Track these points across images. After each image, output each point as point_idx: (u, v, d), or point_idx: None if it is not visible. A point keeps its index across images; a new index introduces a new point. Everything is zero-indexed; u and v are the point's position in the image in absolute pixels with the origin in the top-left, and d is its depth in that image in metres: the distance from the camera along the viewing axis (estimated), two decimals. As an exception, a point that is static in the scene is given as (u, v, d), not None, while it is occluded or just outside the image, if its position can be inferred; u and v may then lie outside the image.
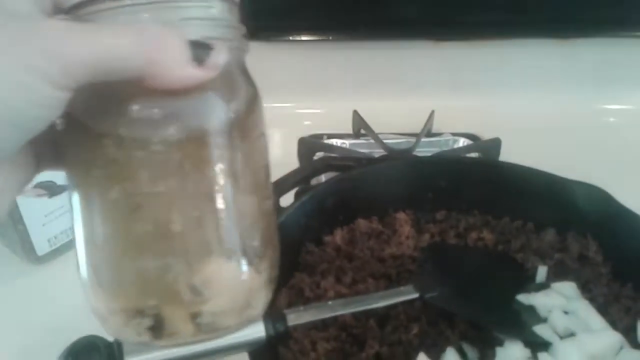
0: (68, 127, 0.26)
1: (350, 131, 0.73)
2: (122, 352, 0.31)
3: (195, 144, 0.25)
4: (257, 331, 0.33)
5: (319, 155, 0.68)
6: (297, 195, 0.55)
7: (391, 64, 0.79)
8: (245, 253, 0.27)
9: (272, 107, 0.85)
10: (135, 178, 0.25)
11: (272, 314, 0.34)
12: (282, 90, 0.79)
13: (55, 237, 0.53)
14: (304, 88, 0.80)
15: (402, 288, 0.38)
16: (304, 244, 0.48)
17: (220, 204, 0.26)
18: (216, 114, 0.25)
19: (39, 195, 0.51)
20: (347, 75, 0.80)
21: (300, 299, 0.43)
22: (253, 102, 0.28)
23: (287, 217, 0.46)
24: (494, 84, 0.78)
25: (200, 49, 0.23)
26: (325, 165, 0.53)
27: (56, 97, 0.22)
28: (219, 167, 0.26)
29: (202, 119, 0.25)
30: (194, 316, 0.27)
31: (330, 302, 0.37)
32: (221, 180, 0.26)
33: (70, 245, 0.55)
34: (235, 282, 0.28)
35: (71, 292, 0.43)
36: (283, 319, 0.35)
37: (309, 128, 0.74)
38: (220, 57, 0.24)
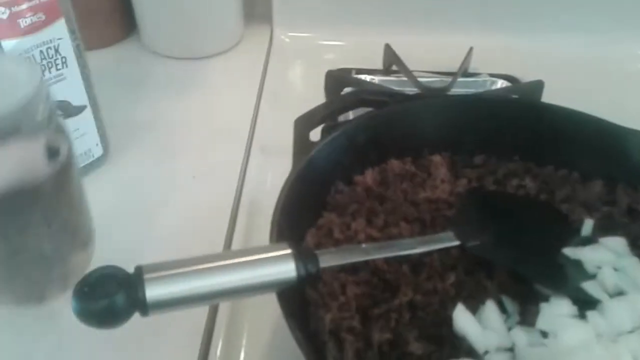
0: None
1: (379, 67, 0.69)
2: (143, 284, 0.29)
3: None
4: (288, 271, 0.31)
5: (346, 90, 0.64)
6: (324, 132, 0.52)
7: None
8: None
9: (291, 36, 0.82)
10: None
11: (304, 254, 0.32)
12: (302, 19, 0.74)
13: (71, 161, 0.50)
14: (327, 17, 0.74)
15: (441, 234, 0.36)
16: (334, 183, 0.45)
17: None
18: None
19: (53, 116, 0.48)
20: (377, 5, 0.74)
21: (329, 240, 0.40)
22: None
23: (317, 152, 0.43)
24: (538, 22, 0.73)
25: None
26: (358, 99, 0.49)
27: None
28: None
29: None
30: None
31: (364, 245, 0.34)
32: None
33: (87, 169, 0.52)
34: None
35: (95, 216, 0.42)
36: (315, 260, 0.32)
37: (330, 62, 0.70)
38: None
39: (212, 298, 0.31)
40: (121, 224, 0.48)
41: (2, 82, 0.33)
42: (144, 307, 0.29)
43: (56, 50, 0.45)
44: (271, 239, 0.36)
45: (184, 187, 0.53)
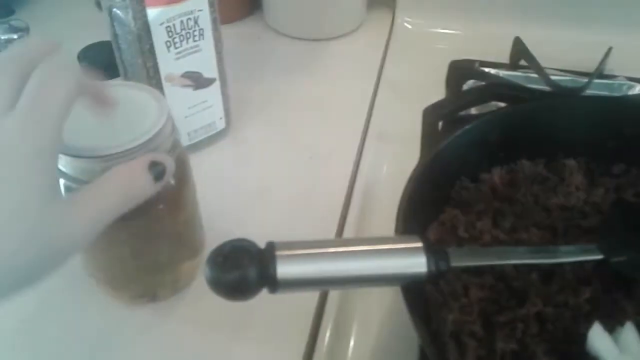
0: None
1: (503, 60, 0.65)
2: (275, 260, 0.29)
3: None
4: (418, 265, 0.30)
5: (469, 82, 0.62)
6: (445, 125, 0.50)
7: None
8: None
9: (413, 23, 0.79)
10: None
11: (434, 250, 0.31)
12: (425, 6, 0.72)
13: (195, 131, 0.52)
14: (451, 5, 0.71)
15: (584, 246, 0.33)
16: (459, 178, 0.43)
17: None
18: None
19: (185, 86, 0.49)
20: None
21: (453, 237, 0.39)
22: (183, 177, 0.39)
23: (446, 145, 0.41)
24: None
25: (156, 167, 0.32)
26: (492, 93, 0.46)
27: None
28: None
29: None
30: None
31: (499, 248, 0.33)
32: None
33: (209, 141, 0.53)
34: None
35: (207, 185, 0.43)
36: (446, 257, 0.31)
37: (452, 52, 0.67)
38: (169, 169, 0.33)
39: (340, 283, 0.30)
40: (237, 199, 0.49)
41: (133, 112, 0.35)
42: (274, 283, 0.29)
43: (195, 22, 0.46)
44: (397, 230, 0.35)
45: (299, 166, 0.53)
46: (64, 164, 0.33)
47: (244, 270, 0.29)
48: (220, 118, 0.53)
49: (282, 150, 0.54)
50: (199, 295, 0.42)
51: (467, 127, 0.42)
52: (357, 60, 0.67)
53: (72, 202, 0.29)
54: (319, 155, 0.54)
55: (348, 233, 0.46)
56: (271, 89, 0.62)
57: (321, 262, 0.30)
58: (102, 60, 0.62)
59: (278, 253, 0.29)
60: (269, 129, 0.57)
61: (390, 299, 0.42)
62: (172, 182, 0.37)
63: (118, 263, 0.39)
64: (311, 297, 0.42)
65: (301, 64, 0.66)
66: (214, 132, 0.53)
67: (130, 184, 0.31)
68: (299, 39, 0.70)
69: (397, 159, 0.53)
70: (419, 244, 0.31)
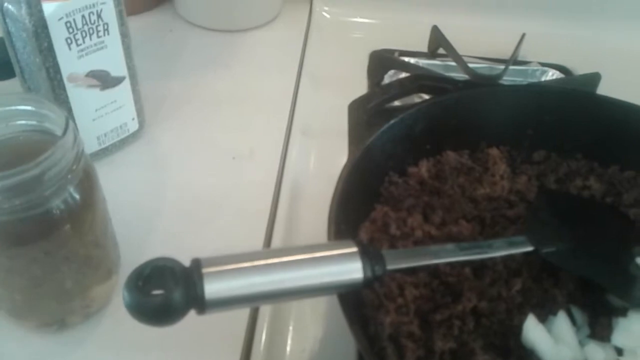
0: None
1: (422, 49, 0.65)
2: (202, 279, 0.27)
3: None
4: (354, 271, 0.29)
5: (390, 72, 0.61)
6: (370, 119, 0.49)
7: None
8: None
9: (331, 12, 0.77)
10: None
11: (370, 254, 0.30)
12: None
13: (105, 135, 0.48)
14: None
15: (514, 238, 0.33)
16: (387, 173, 0.42)
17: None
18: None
19: (91, 86, 0.45)
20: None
21: (385, 236, 0.38)
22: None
23: (374, 140, 0.40)
24: (594, 10, 0.69)
25: None
26: (418, 85, 0.46)
27: None
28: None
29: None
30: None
31: (433, 248, 0.32)
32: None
33: (121, 145, 0.49)
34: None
35: (120, 194, 0.40)
36: (382, 260, 0.30)
37: (371, 41, 0.66)
38: None
39: (273, 297, 0.29)
40: (155, 208, 0.46)
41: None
42: (202, 305, 0.27)
43: (98, 16, 0.42)
44: (329, 234, 0.33)
45: (222, 168, 0.50)
46: None
47: (168, 292, 0.26)
48: (133, 119, 0.50)
49: (202, 152, 0.51)
50: (115, 319, 0.38)
51: (393, 120, 0.41)
52: (276, 52, 0.65)
53: None
54: (242, 155, 0.51)
55: (277, 237, 0.44)
56: (186, 85, 0.59)
57: (252, 276, 0.28)
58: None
59: (205, 271, 0.27)
60: (187, 129, 0.54)
61: (324, 303, 0.41)
62: (77, 198, 0.33)
63: (18, 292, 0.35)
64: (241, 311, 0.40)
65: (217, 57, 0.63)
66: (126, 134, 0.50)
67: None
68: (213, 30, 0.66)
69: (323, 153, 0.52)
70: (354, 249, 0.29)
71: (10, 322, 0.37)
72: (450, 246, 0.32)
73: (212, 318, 0.35)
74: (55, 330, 0.37)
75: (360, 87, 0.60)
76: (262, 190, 0.48)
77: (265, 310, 0.40)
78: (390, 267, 0.30)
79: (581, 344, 0.32)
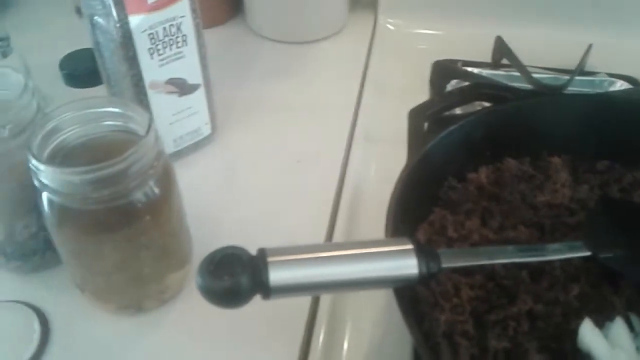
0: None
1: (485, 59, 0.66)
2: (267, 266, 0.29)
3: None
4: (410, 267, 0.30)
5: (453, 82, 0.62)
6: (430, 126, 0.50)
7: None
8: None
9: (395, 24, 0.78)
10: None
11: (425, 252, 0.31)
12: (407, 7, 0.72)
13: (181, 138, 0.51)
14: (433, 6, 0.71)
15: (571, 244, 0.34)
16: (446, 178, 0.43)
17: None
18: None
19: (170, 93, 0.49)
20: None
21: (442, 238, 0.39)
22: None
23: (433, 146, 0.41)
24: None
25: None
26: (477, 93, 0.47)
27: None
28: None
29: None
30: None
31: (489, 248, 0.33)
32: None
33: (195, 148, 0.53)
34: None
35: (194, 192, 0.43)
36: (437, 258, 0.31)
37: (434, 52, 0.67)
38: None
39: (332, 287, 0.31)
40: (225, 205, 0.49)
41: None
42: (267, 290, 0.29)
43: (178, 28, 0.46)
44: (386, 233, 0.35)
45: (287, 171, 0.53)
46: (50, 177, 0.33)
47: (237, 277, 0.29)
48: (206, 124, 0.53)
49: (269, 155, 0.54)
50: (187, 306, 0.41)
51: (452, 127, 0.42)
52: (341, 63, 0.67)
53: None
54: (307, 159, 0.54)
55: (338, 236, 0.46)
56: (255, 93, 0.62)
57: (313, 267, 0.30)
58: (84, 68, 0.61)
59: (270, 259, 0.29)
60: (255, 134, 0.57)
61: (382, 299, 0.42)
62: (157, 192, 0.36)
63: (102, 275, 0.39)
64: (303, 301, 0.42)
65: (285, 67, 0.66)
66: (199, 138, 0.53)
67: None
68: (282, 42, 0.70)
69: (384, 160, 0.53)
70: (410, 246, 0.31)
71: (94, 304, 0.40)
72: (506, 248, 0.33)
73: (274, 313, 0.38)
74: (132, 314, 0.41)
75: (422, 96, 0.61)
76: (324, 192, 0.50)
77: (324, 308, 0.42)
78: (446, 265, 0.31)
79: (638, 350, 0.32)
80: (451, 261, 0.31)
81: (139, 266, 0.38)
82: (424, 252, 0.31)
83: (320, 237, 0.46)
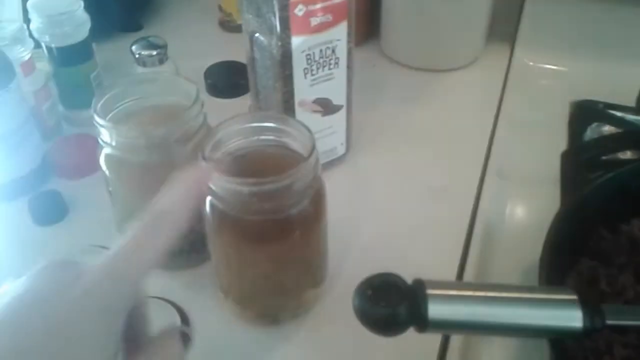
0: None
1: (625, 102, 0.62)
2: (426, 299, 0.29)
3: None
4: (573, 319, 0.29)
5: (592, 125, 0.59)
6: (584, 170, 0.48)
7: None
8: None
9: (533, 58, 0.75)
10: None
11: (590, 305, 0.29)
12: (547, 42, 0.70)
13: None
14: (574, 44, 0.69)
15: None
16: (597, 228, 0.41)
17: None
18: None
19: (315, 111, 0.50)
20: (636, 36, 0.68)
21: (593, 291, 0.37)
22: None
23: (589, 193, 0.40)
24: None
25: None
26: (633, 141, 0.45)
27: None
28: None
29: None
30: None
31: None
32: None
33: (329, 166, 0.54)
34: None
35: (331, 214, 0.43)
36: (601, 313, 0.30)
37: (574, 92, 0.64)
38: None
39: (489, 329, 0.30)
40: (353, 224, 0.50)
41: None
42: (424, 323, 0.29)
43: (333, 51, 0.48)
44: (540, 281, 0.34)
45: (417, 198, 0.52)
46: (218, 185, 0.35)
47: (395, 307, 0.29)
48: (342, 144, 0.54)
49: (399, 180, 0.54)
50: (319, 322, 0.42)
51: (609, 175, 0.41)
52: (475, 94, 0.66)
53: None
54: (437, 189, 0.53)
55: (469, 274, 0.45)
56: (387, 117, 0.62)
57: (473, 305, 0.29)
58: (224, 80, 0.65)
59: (429, 292, 0.29)
60: (386, 157, 0.57)
61: (514, 350, 0.40)
62: (310, 210, 0.37)
63: (247, 282, 0.40)
64: (434, 338, 0.41)
65: (417, 93, 0.66)
66: (334, 157, 0.54)
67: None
68: (414, 68, 0.70)
69: (520, 198, 0.52)
70: (573, 297, 0.30)
71: (233, 309, 0.42)
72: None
73: (405, 345, 0.38)
74: (267, 324, 0.42)
75: (558, 135, 0.59)
76: (455, 225, 0.49)
77: (454, 347, 0.41)
78: (610, 322, 0.30)
79: None
80: (616, 318, 0.30)
81: (284, 278, 0.39)
82: (588, 304, 0.29)
83: (450, 273, 0.45)
